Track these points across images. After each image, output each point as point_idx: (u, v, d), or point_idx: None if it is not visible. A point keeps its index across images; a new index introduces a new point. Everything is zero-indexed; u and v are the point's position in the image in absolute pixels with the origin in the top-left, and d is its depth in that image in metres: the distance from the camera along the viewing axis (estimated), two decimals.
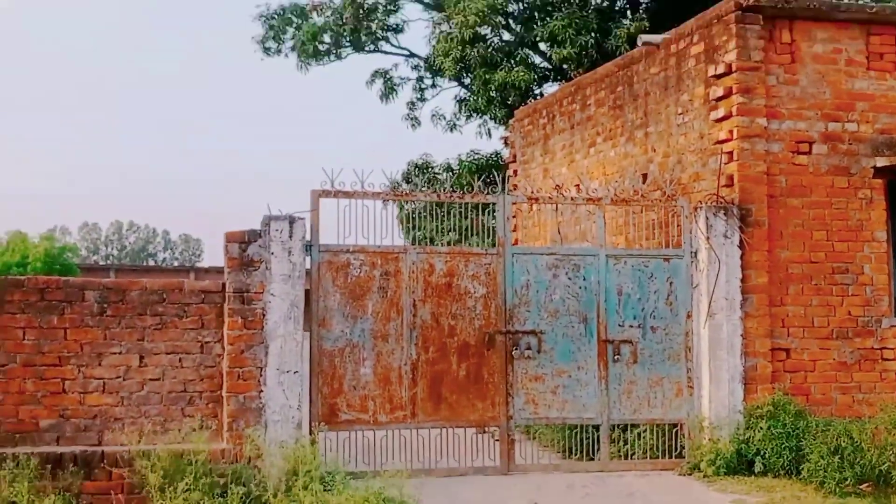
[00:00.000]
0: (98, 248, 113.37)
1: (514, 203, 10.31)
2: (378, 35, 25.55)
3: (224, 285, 9.02)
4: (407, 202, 17.32)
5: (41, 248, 44.21)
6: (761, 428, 9.64)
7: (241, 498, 8.11)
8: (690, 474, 9.87)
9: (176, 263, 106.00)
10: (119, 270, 60.14)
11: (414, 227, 17.00)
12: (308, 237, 9.35)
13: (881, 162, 10.55)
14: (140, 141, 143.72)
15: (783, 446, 9.51)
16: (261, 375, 8.92)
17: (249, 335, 8.95)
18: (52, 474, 8.25)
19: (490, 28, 21.80)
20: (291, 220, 9.19)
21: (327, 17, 25.60)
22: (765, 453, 9.58)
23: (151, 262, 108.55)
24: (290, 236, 9.16)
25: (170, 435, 8.71)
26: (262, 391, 8.91)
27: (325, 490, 8.31)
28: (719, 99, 10.49)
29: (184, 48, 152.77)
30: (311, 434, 9.12)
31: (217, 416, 8.93)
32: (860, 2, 14.13)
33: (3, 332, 8.52)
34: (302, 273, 9.17)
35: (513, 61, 21.45)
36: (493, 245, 10.12)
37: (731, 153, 10.33)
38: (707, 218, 10.10)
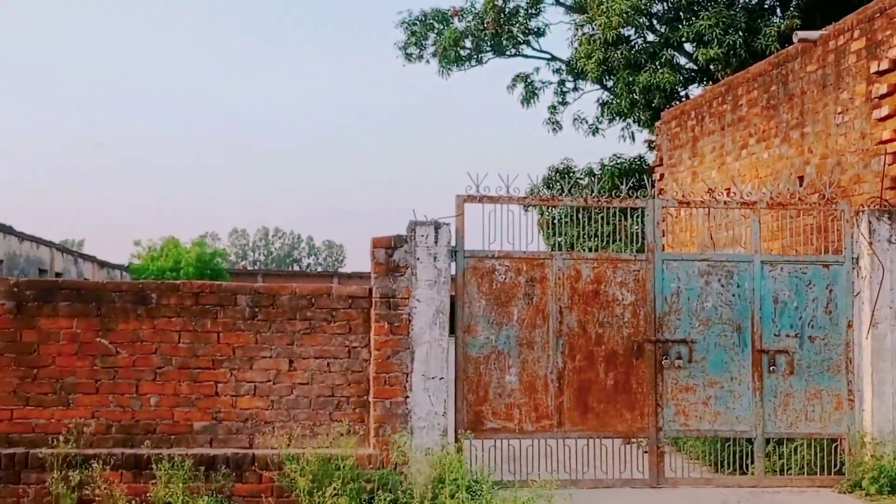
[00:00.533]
0: (246, 254, 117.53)
1: (663, 207, 10.08)
2: (519, 39, 25.58)
3: (371, 290, 9.11)
4: (548, 207, 17.21)
5: (193, 253, 45.85)
6: None
7: None
8: (851, 492, 9.44)
9: (319, 269, 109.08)
10: (266, 275, 62.10)
11: (555, 233, 16.87)
12: (453, 242, 9.36)
13: None
14: (284, 148, 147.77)
15: None
16: (407, 381, 8.97)
17: (395, 340, 9.01)
18: (206, 476, 8.50)
19: (633, 29, 21.47)
20: (437, 226, 9.22)
21: (468, 21, 25.80)
22: None
23: (296, 268, 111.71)
24: (436, 242, 9.18)
25: (318, 439, 8.83)
26: (408, 397, 8.95)
27: (471, 499, 8.29)
28: (883, 97, 10.02)
29: (326, 54, 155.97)
30: (456, 441, 9.12)
31: (364, 421, 9.01)
32: None
33: (160, 335, 8.81)
34: (447, 279, 9.19)
35: (657, 63, 21.04)
36: (640, 251, 9.92)
37: (895, 154, 9.85)
38: (870, 222, 9.65)
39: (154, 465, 8.40)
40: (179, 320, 8.86)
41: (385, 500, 8.21)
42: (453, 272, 9.41)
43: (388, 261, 9.11)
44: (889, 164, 9.91)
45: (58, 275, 36.51)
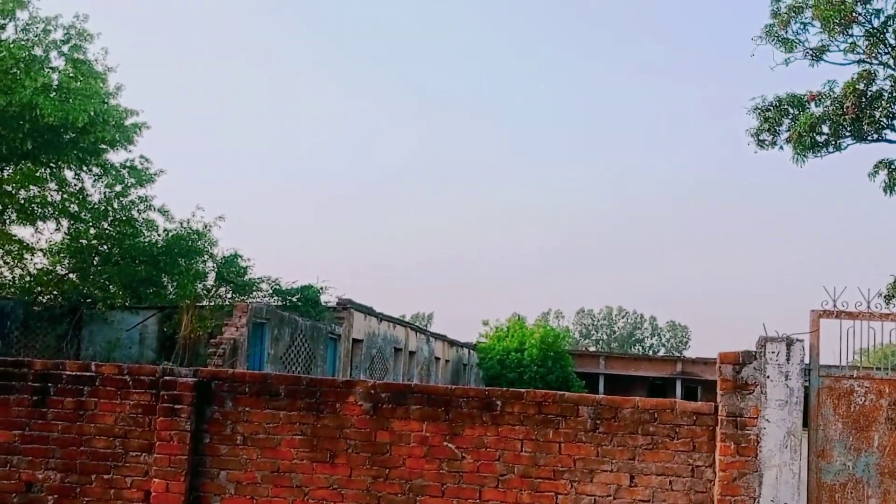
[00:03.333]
0: (590, 333, 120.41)
1: None
2: (882, 123, 24.28)
3: (716, 407, 8.91)
4: None
5: (537, 334, 47.13)
6: None
7: None
8: None
9: (662, 350, 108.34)
10: (608, 358, 62.44)
11: None
12: (806, 360, 8.97)
13: None
14: (622, 230, 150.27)
15: None
16: None
17: (742, 462, 8.73)
18: None
19: None
20: (789, 343, 8.88)
21: (826, 106, 24.81)
22: None
23: (638, 349, 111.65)
24: (788, 359, 8.85)
25: None
26: None
27: None
28: None
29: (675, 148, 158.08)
30: None
31: None
32: None
33: (504, 442, 9.06)
34: (799, 399, 8.81)
35: None
36: None
37: None
38: None
39: None
40: (522, 428, 9.07)
41: None
42: (806, 391, 9.01)
43: (735, 377, 8.89)
44: None
45: (411, 353, 39.45)
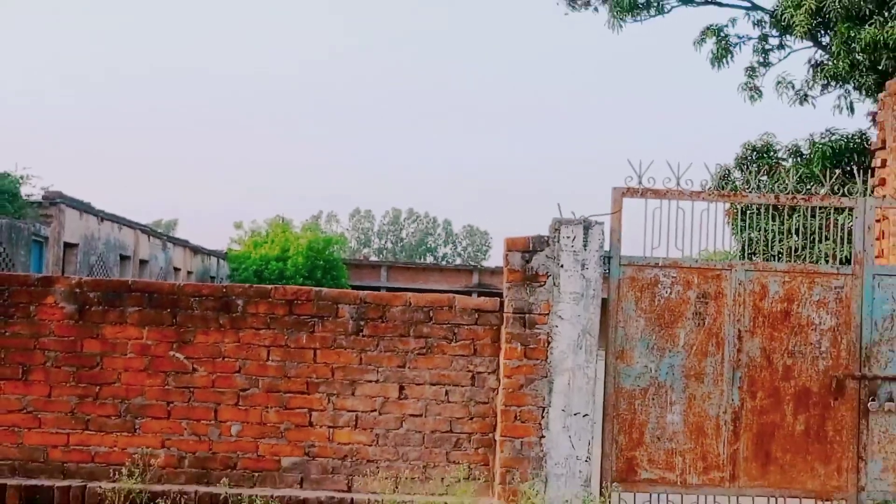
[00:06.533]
0: (370, 240, 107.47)
1: (878, 208, 8.38)
2: None
3: (502, 303, 7.82)
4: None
5: (304, 240, 41.66)
6: None
7: None
8: None
9: (458, 261, 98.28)
10: (392, 268, 56.30)
11: (748, 227, 14.82)
12: (606, 246, 7.94)
13: None
14: (419, 120, 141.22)
15: None
16: (542, 417, 7.69)
17: (530, 366, 7.70)
18: None
19: None
20: (587, 226, 7.81)
21: None
22: None
23: (430, 259, 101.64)
24: (585, 245, 7.78)
25: (430, 484, 7.71)
26: (542, 437, 7.67)
27: None
28: None
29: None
30: (601, 494, 7.79)
31: (488, 464, 7.81)
32: None
33: (245, 350, 7.75)
34: (598, 292, 7.81)
35: (886, 13, 18.21)
36: (848, 261, 8.28)
37: None
38: None
39: None
40: (269, 333, 7.77)
41: None
42: (604, 283, 8.00)
43: (524, 267, 7.78)
44: None
45: (142, 262, 34.60)
